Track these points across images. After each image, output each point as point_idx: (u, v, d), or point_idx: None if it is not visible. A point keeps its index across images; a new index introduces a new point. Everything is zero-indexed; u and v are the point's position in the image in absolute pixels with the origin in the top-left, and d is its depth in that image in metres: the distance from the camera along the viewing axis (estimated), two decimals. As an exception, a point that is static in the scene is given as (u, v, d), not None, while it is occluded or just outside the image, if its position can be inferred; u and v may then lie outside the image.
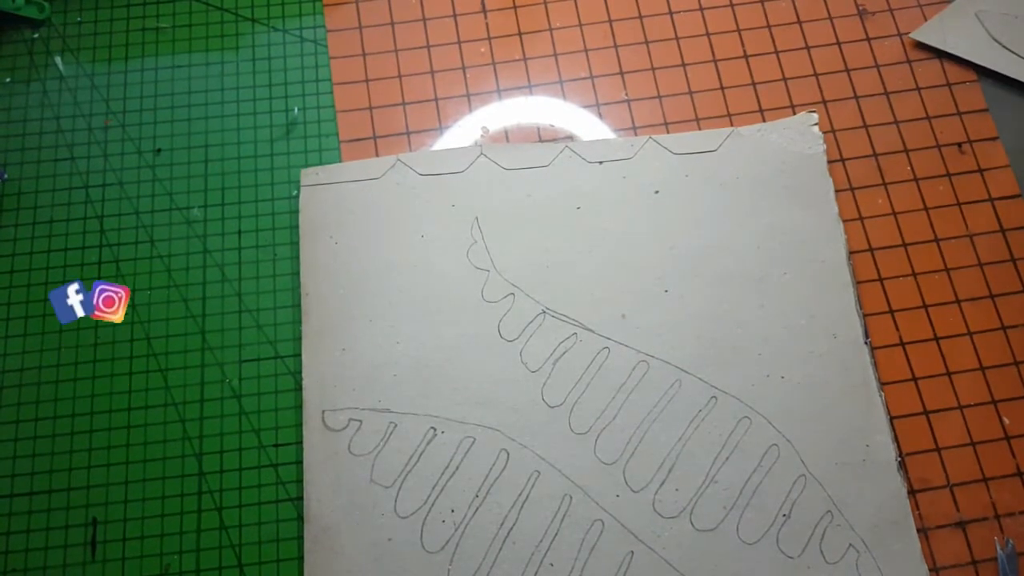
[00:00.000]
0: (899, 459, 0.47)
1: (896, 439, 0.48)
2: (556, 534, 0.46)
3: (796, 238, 0.51)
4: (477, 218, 0.53)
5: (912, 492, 0.47)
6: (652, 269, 0.51)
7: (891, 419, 0.48)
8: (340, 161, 0.55)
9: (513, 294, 0.51)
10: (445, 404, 0.49)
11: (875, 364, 0.49)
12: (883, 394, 0.48)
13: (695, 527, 0.46)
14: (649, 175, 0.53)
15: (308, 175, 0.54)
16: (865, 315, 0.51)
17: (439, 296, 0.51)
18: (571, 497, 0.47)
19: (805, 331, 0.50)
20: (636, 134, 0.55)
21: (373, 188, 0.53)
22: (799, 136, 0.54)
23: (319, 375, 0.50)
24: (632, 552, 0.46)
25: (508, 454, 0.48)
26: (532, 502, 0.47)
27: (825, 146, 0.53)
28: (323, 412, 0.49)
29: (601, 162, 0.53)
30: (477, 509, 0.47)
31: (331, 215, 0.53)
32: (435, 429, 0.48)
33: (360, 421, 0.49)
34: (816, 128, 0.54)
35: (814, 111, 0.54)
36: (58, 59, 0.58)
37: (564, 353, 0.50)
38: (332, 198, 0.53)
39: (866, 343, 0.49)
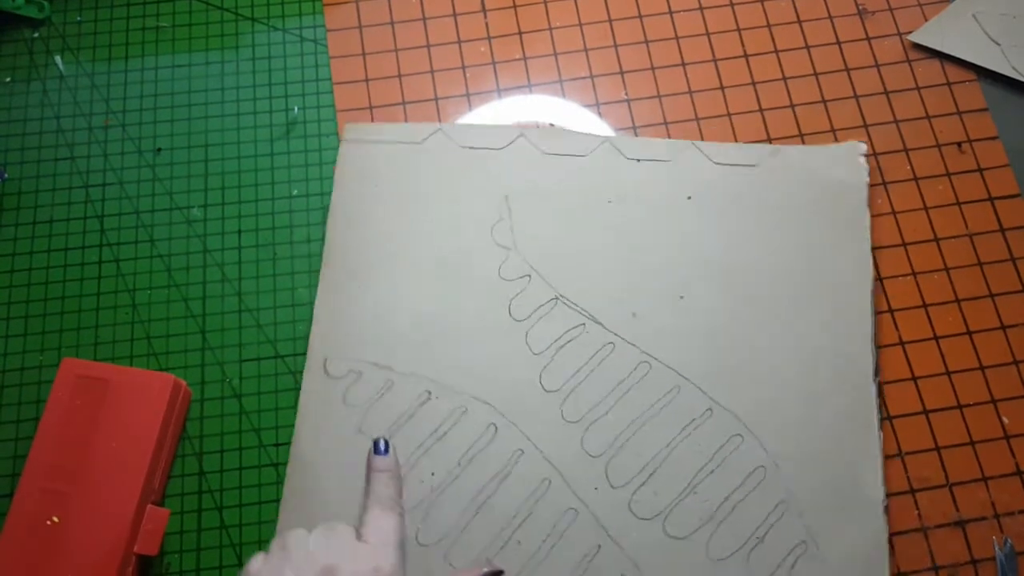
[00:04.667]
0: (886, 503, 0.46)
1: (886, 483, 0.47)
2: (529, 514, 0.46)
3: (823, 265, 0.51)
4: (507, 196, 0.53)
5: (912, 491, 0.48)
6: (671, 273, 0.51)
7: (885, 460, 0.47)
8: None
9: (529, 276, 0.51)
10: (444, 370, 0.49)
11: (880, 404, 0.48)
12: (882, 434, 0.47)
13: (667, 533, 0.46)
14: (685, 180, 0.53)
15: (351, 130, 0.54)
16: (865, 315, 0.51)
17: (457, 266, 0.51)
18: (550, 481, 0.47)
19: (815, 359, 0.49)
20: (636, 134, 0.55)
21: (411, 152, 0.54)
22: (844, 164, 0.53)
23: (328, 322, 0.50)
24: (600, 545, 0.46)
25: (496, 429, 0.48)
26: (511, 479, 0.47)
27: (868, 178, 0.52)
28: (326, 359, 0.50)
29: (639, 160, 0.53)
30: (457, 476, 0.47)
31: (367, 172, 0.53)
32: (430, 393, 0.49)
33: (360, 373, 0.49)
34: (863, 159, 0.53)
35: (864, 141, 0.53)
36: (58, 59, 0.58)
37: (569, 341, 0.50)
38: (371, 156, 0.54)
39: (875, 381, 0.48)
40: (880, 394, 0.48)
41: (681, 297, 0.50)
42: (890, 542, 0.46)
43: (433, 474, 0.47)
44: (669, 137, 0.55)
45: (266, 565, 0.39)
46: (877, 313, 0.50)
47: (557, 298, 0.51)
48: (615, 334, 0.50)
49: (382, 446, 0.47)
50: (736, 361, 0.49)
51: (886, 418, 0.49)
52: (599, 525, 0.46)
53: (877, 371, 0.48)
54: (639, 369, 0.49)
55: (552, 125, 0.55)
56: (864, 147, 0.53)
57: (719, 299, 0.50)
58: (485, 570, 0.44)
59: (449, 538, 0.46)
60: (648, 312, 0.50)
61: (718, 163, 0.53)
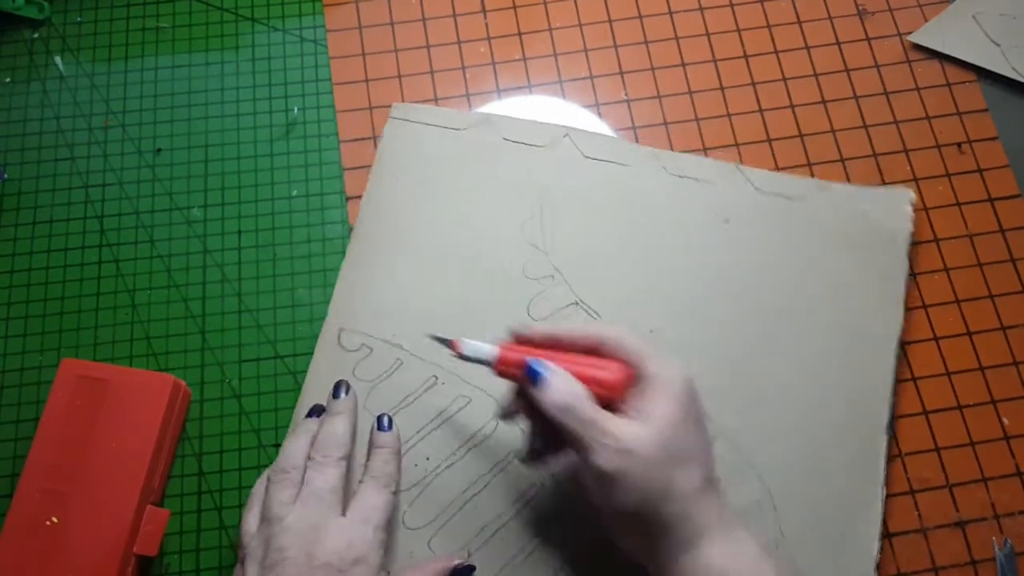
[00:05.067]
0: (878, 560, 0.45)
1: (885, 523, 0.46)
2: (516, 513, 0.46)
3: (852, 309, 0.49)
4: (543, 195, 0.53)
5: (912, 492, 0.48)
6: (695, 294, 0.50)
7: (884, 507, 0.46)
8: (340, 161, 0.55)
9: (552, 276, 0.51)
10: (455, 358, 0.49)
11: (888, 455, 0.47)
12: (885, 490, 0.46)
13: None
14: (725, 202, 0.52)
15: (398, 109, 0.55)
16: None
17: (482, 258, 0.51)
18: (544, 484, 0.47)
19: (828, 401, 0.48)
20: (636, 134, 0.55)
21: (454, 138, 0.54)
22: (890, 210, 0.51)
23: (349, 294, 0.51)
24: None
25: (497, 424, 0.48)
26: (505, 476, 0.47)
27: (913, 228, 0.51)
28: (341, 330, 0.50)
29: (681, 177, 0.53)
30: (452, 464, 0.47)
31: (408, 153, 0.54)
32: (437, 378, 0.49)
33: (371, 349, 0.50)
34: (910, 208, 0.51)
35: (912, 191, 0.52)
36: (58, 59, 0.58)
37: None
38: (414, 137, 0.54)
39: (887, 433, 0.47)
40: (889, 447, 0.47)
41: (702, 320, 0.50)
42: (890, 542, 0.46)
43: (428, 459, 0.47)
44: (670, 140, 0.55)
45: (257, 536, 0.41)
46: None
47: (577, 303, 0.50)
48: None
49: (385, 422, 0.47)
50: (746, 391, 0.48)
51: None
52: (583, 538, 0.46)
53: (891, 424, 0.47)
54: None
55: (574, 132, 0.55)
56: (913, 196, 0.51)
57: (741, 326, 0.49)
58: (457, 562, 0.44)
59: (434, 525, 0.46)
60: (666, 329, 0.49)
61: (761, 190, 0.52)
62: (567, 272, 0.51)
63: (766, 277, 0.50)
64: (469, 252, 0.52)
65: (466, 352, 0.42)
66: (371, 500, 0.43)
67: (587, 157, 0.53)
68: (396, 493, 0.45)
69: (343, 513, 0.42)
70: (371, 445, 0.46)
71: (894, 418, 0.48)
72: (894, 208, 0.51)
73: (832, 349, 0.49)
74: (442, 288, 0.51)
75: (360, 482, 0.44)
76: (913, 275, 0.52)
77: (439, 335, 0.44)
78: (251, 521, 0.43)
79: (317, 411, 0.47)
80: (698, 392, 0.39)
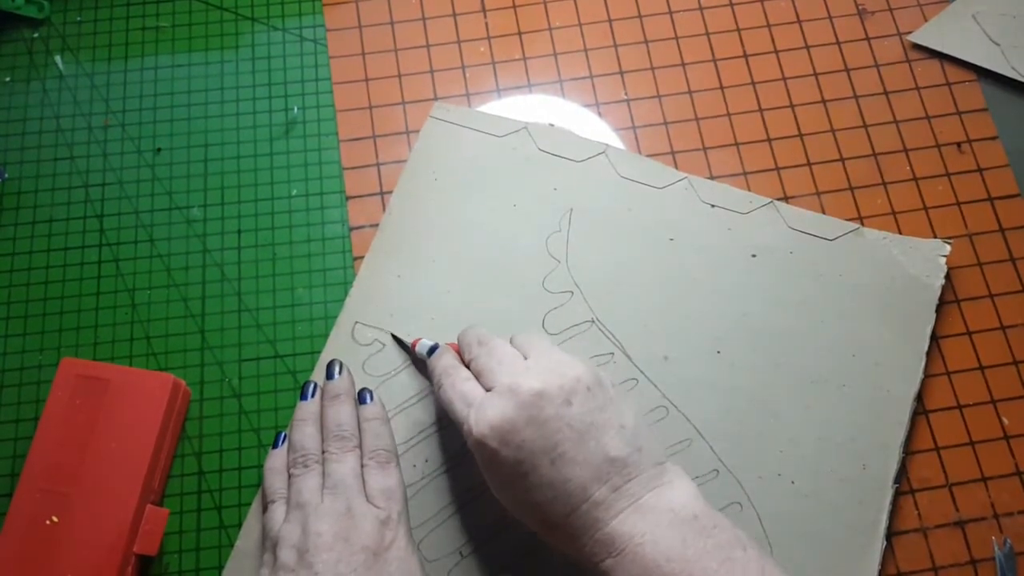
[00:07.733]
0: None
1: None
2: (508, 527, 0.46)
3: (872, 358, 0.49)
4: (572, 210, 0.53)
5: (912, 491, 0.48)
6: (714, 326, 0.50)
7: (883, 557, 0.46)
8: (340, 161, 0.55)
9: (572, 292, 0.51)
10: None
11: (892, 511, 0.46)
12: (885, 543, 0.46)
13: None
14: (754, 237, 0.51)
15: (439, 109, 0.55)
16: (864, 315, 0.50)
17: (504, 267, 0.51)
18: None
19: (838, 449, 0.47)
20: (636, 134, 0.55)
21: (491, 144, 0.54)
22: (922, 260, 0.51)
23: (367, 288, 0.51)
24: None
25: None
26: None
27: (944, 281, 0.50)
28: (355, 323, 0.50)
29: (713, 206, 0.52)
30: (447, 470, 0.47)
31: (443, 153, 0.54)
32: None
33: (384, 344, 0.50)
34: (943, 260, 0.50)
35: (950, 242, 0.51)
36: (58, 59, 0.58)
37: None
38: (451, 138, 0.54)
39: (894, 486, 0.47)
40: (894, 503, 0.46)
41: (718, 352, 0.49)
42: (890, 542, 0.46)
43: (427, 460, 0.48)
44: (670, 140, 0.55)
45: (286, 524, 0.43)
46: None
47: (593, 321, 0.50)
48: (641, 372, 0.49)
49: (367, 396, 0.48)
50: (756, 429, 0.47)
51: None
52: (573, 560, 0.46)
53: (898, 479, 0.47)
54: (656, 412, 0.48)
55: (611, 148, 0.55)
56: (948, 248, 0.51)
57: (756, 364, 0.49)
58: None
59: (425, 527, 0.46)
60: (680, 359, 0.49)
61: (793, 228, 0.51)
62: (587, 289, 0.51)
63: (787, 319, 0.50)
64: (492, 259, 0.51)
65: (419, 350, 0.48)
66: (383, 482, 0.44)
67: (622, 176, 0.53)
68: (398, 465, 0.46)
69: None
70: (359, 420, 0.47)
71: (903, 468, 0.47)
72: (928, 258, 0.51)
73: (847, 396, 0.48)
74: (461, 292, 0.51)
75: (363, 465, 0.45)
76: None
77: (402, 337, 0.48)
78: (277, 512, 0.44)
79: (311, 392, 0.48)
80: (531, 419, 0.39)
